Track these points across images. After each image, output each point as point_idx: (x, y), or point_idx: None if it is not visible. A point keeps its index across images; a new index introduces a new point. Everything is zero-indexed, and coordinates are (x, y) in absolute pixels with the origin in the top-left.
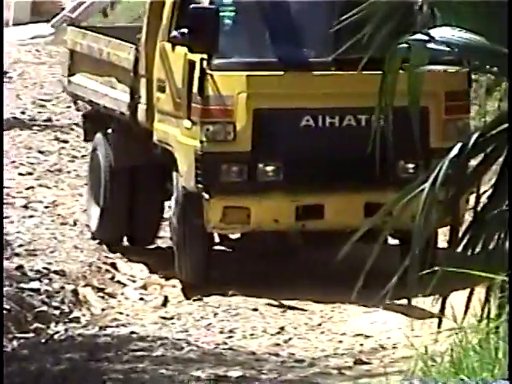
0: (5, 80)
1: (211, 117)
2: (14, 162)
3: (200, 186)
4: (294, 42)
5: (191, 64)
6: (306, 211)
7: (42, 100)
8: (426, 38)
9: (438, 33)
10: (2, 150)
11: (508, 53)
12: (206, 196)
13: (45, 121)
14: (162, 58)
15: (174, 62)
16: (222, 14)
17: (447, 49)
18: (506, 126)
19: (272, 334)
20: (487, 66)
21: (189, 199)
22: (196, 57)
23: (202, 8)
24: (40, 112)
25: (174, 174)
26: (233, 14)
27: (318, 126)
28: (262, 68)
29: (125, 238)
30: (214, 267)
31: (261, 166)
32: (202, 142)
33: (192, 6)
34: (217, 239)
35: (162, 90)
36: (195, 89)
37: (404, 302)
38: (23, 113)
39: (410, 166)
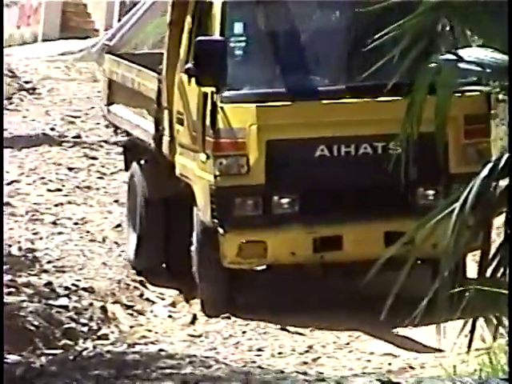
0: (34, 96)
1: (223, 150)
2: (43, 178)
3: (215, 220)
4: (306, 71)
5: (205, 96)
6: (323, 243)
7: (71, 116)
8: (455, 57)
9: (467, 53)
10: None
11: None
12: (221, 231)
13: (74, 137)
14: (180, 90)
15: (190, 94)
16: (231, 44)
17: (478, 68)
18: None
19: (300, 353)
20: None
21: (206, 234)
22: (208, 89)
23: (208, 41)
24: (69, 129)
25: (194, 208)
26: (242, 44)
27: (333, 156)
28: (274, 98)
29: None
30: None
31: (276, 198)
32: (215, 176)
33: (199, 38)
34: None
35: (180, 122)
36: (208, 122)
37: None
38: (52, 129)
39: (430, 192)
